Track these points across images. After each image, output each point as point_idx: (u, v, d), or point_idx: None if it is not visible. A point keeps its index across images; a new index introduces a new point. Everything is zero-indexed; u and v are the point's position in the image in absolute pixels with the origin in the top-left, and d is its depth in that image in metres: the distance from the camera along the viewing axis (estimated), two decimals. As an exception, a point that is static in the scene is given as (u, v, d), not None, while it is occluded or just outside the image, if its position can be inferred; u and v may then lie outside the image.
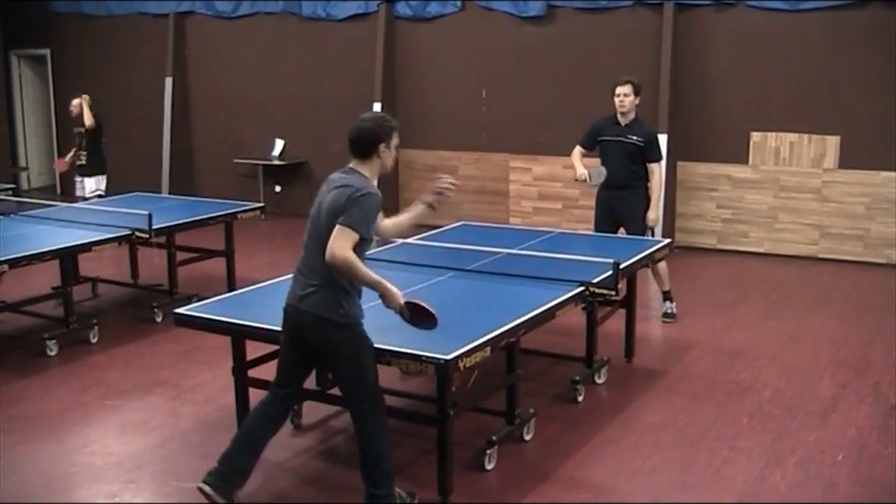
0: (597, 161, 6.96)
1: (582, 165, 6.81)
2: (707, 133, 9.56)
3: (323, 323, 3.80)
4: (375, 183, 3.91)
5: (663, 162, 7.25)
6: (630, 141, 6.79)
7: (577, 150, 6.98)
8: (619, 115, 6.84)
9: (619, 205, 6.89)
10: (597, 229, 7.01)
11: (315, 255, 3.80)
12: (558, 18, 10.13)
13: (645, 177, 6.85)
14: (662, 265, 6.99)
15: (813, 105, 9.11)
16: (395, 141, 3.94)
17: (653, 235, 7.02)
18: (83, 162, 9.67)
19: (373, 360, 3.93)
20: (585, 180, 6.73)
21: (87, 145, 9.62)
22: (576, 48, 10.06)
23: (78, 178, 9.79)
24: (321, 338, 3.85)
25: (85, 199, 9.46)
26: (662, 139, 8.96)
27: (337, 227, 3.68)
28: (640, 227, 6.84)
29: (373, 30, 10.99)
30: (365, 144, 3.86)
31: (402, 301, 3.85)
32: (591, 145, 6.98)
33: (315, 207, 3.90)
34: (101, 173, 9.70)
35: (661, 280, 7.11)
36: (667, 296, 7.15)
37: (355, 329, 3.84)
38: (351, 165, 3.90)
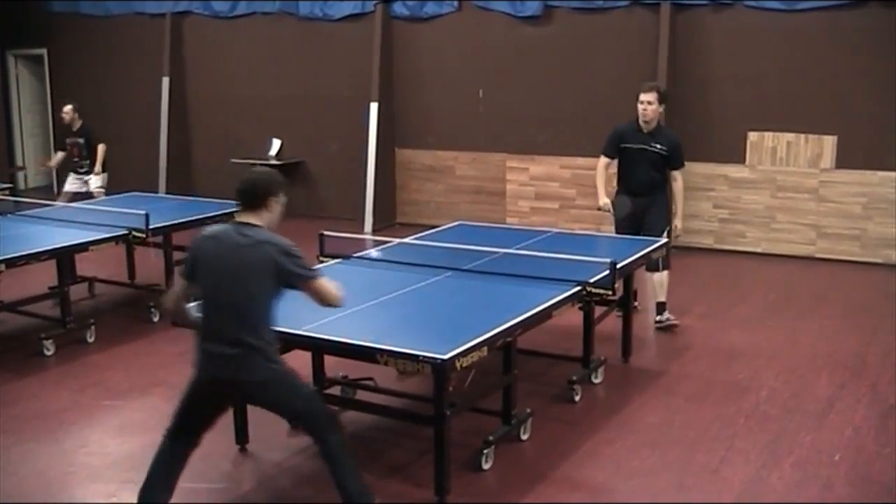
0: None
1: (605, 191, 6.71)
2: (704, 133, 9.55)
3: (261, 383, 3.69)
4: None
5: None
6: (654, 149, 6.63)
7: (602, 161, 6.78)
8: (641, 122, 6.66)
9: (643, 211, 6.69)
10: (618, 232, 6.79)
11: (241, 318, 3.64)
12: (555, 18, 10.13)
13: (665, 183, 6.75)
14: (665, 276, 6.77)
15: (810, 105, 9.12)
16: (283, 198, 3.88)
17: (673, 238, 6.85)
18: (85, 169, 9.76)
19: (294, 375, 3.82)
20: (609, 211, 6.68)
21: (86, 153, 9.71)
22: (573, 48, 10.06)
23: (78, 178, 9.80)
24: (256, 393, 3.76)
25: (89, 193, 9.55)
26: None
27: (312, 285, 3.71)
28: (660, 234, 6.58)
29: (369, 30, 10.98)
30: (259, 194, 3.79)
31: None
32: (615, 153, 6.77)
33: (217, 271, 3.68)
34: (104, 171, 9.77)
35: (659, 291, 6.79)
36: (661, 307, 6.83)
37: (278, 366, 3.75)
38: (242, 220, 3.78)
